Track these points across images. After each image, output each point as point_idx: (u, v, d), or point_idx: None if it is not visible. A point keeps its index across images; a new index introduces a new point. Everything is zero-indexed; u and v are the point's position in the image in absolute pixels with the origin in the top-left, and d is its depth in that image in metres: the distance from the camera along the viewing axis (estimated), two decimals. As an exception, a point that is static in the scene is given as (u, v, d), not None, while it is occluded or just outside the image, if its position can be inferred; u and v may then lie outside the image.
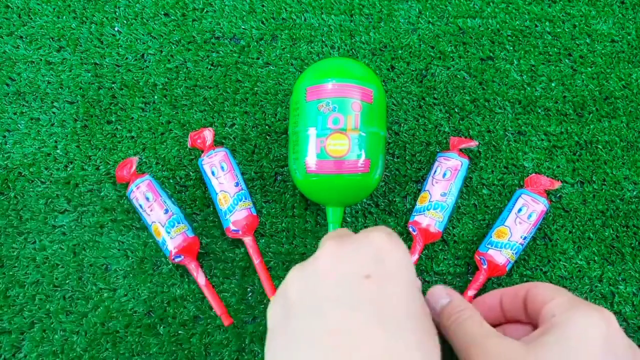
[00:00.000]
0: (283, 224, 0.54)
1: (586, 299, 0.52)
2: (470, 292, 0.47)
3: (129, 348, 0.50)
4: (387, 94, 0.58)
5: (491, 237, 0.48)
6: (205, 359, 0.49)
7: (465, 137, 0.56)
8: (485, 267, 0.47)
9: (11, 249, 0.52)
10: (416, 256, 0.50)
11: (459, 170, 0.51)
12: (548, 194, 0.54)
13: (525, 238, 0.48)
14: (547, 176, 0.56)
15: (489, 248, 0.48)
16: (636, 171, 0.56)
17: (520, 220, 0.48)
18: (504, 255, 0.47)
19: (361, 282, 0.28)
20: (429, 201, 0.50)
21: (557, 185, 0.50)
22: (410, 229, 0.51)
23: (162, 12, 0.60)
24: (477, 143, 0.52)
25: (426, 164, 0.56)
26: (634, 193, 0.56)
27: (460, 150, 0.53)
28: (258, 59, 0.59)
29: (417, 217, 0.51)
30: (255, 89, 0.58)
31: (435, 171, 0.52)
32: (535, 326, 0.34)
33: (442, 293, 0.37)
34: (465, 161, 0.52)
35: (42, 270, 0.52)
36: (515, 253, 0.48)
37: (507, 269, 0.48)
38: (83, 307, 0.51)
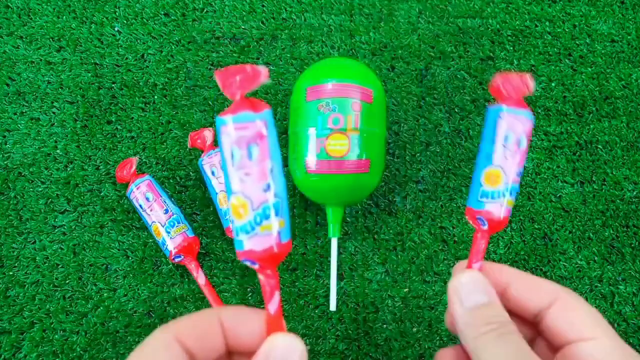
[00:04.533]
0: (283, 224, 0.54)
1: (586, 299, 0.52)
2: (476, 265, 0.32)
3: (129, 348, 0.50)
4: (387, 94, 0.58)
5: (481, 185, 0.33)
6: (205, 359, 0.50)
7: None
8: (485, 227, 0.33)
9: (11, 249, 0.52)
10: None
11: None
12: (528, 101, 0.42)
13: (520, 173, 0.33)
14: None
15: (484, 202, 0.33)
16: (636, 171, 0.56)
17: (511, 152, 0.33)
18: (504, 205, 0.32)
19: None
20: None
21: (532, 83, 0.33)
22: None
23: (162, 12, 0.60)
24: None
25: (426, 164, 0.56)
26: (634, 193, 0.56)
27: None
28: (258, 59, 0.59)
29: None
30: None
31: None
32: (537, 330, 0.29)
33: (479, 287, 0.28)
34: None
35: (42, 270, 0.52)
36: (514, 196, 0.33)
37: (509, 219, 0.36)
38: (83, 307, 0.51)
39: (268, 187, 0.24)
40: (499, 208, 0.31)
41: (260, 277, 0.25)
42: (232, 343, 0.24)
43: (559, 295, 0.27)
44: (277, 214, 0.25)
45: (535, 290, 0.28)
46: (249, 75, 0.24)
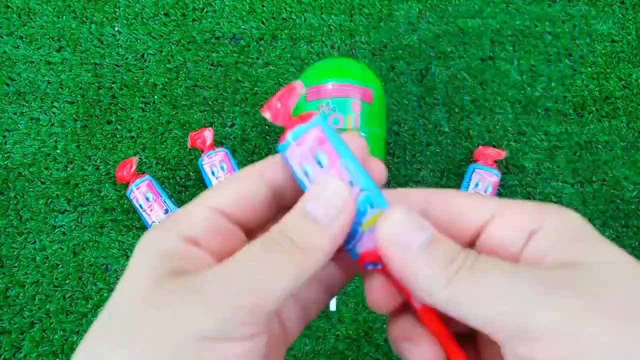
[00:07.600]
0: (283, 224, 0.54)
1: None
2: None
3: (129, 348, 0.50)
4: (387, 94, 0.58)
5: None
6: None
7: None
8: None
9: (11, 249, 0.52)
10: None
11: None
12: (498, 164, 0.54)
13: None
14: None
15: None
16: (636, 171, 0.56)
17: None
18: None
19: None
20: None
21: (504, 154, 0.52)
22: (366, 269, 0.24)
23: (162, 12, 0.60)
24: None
25: (426, 164, 0.56)
26: (634, 193, 0.55)
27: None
28: (258, 59, 0.58)
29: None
30: (255, 89, 0.58)
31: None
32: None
33: (416, 221, 0.19)
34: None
35: (42, 270, 0.52)
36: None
37: None
38: (83, 307, 0.51)
39: (351, 185, 0.22)
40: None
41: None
42: (281, 203, 0.21)
43: (499, 210, 0.19)
44: (372, 206, 0.21)
45: (470, 209, 0.20)
46: (286, 94, 0.22)
